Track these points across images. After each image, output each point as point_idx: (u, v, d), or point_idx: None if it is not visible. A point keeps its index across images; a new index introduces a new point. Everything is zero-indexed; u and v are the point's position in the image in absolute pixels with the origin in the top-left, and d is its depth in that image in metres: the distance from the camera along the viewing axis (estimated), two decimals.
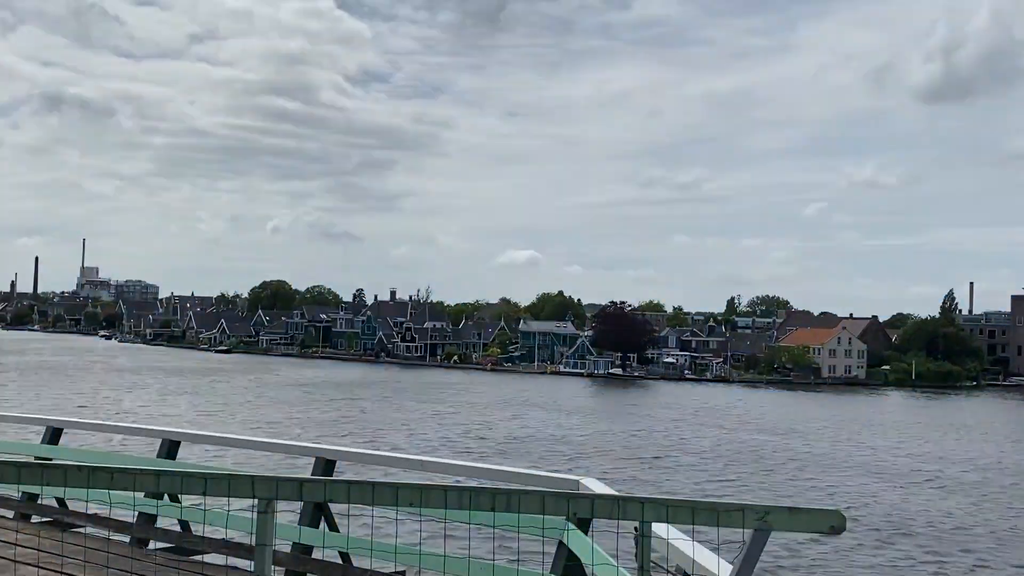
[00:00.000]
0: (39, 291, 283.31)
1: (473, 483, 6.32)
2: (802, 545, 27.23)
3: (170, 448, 9.06)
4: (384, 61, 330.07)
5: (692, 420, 72.11)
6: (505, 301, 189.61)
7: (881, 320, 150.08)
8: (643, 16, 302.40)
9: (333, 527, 7.59)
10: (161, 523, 8.47)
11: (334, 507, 7.46)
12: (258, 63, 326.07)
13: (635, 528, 3.82)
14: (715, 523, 3.67)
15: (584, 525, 5.83)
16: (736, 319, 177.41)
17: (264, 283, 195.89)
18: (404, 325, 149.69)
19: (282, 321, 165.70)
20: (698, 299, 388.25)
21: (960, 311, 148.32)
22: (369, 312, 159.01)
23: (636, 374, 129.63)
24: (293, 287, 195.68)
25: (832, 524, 3.68)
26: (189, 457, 13.42)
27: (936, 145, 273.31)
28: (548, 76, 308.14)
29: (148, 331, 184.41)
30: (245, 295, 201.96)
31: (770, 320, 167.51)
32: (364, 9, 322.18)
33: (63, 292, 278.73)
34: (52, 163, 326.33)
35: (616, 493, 4.54)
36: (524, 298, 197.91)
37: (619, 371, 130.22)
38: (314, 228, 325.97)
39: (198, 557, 7.70)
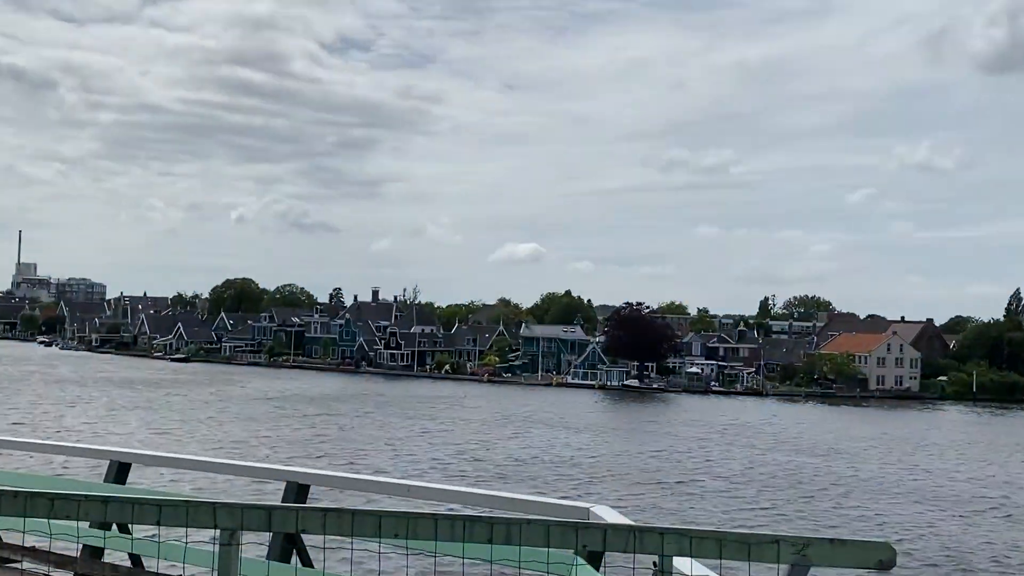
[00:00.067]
0: None
1: (468, 511, 6.32)
2: None
3: (119, 471, 9.07)
4: (365, 26, 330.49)
5: (720, 439, 72.20)
6: (504, 302, 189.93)
7: (937, 324, 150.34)
8: None
9: (306, 562, 7.59)
10: (109, 557, 8.48)
11: (307, 539, 7.46)
12: (220, 29, 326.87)
13: (653, 563, 3.82)
14: (746, 557, 3.67)
15: (595, 559, 5.83)
16: (770, 323, 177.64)
17: (227, 282, 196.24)
18: (388, 330, 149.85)
19: (248, 325, 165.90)
20: (726, 300, 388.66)
21: None
22: (348, 315, 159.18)
23: (655, 386, 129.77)
24: (260, 286, 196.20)
25: (881, 558, 3.68)
26: (141, 482, 13.45)
27: (1000, 123, 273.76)
28: (553, 43, 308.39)
29: (94, 337, 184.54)
30: (205, 295, 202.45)
31: (809, 324, 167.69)
32: None
33: None
34: None
35: (632, 523, 4.55)
36: (526, 299, 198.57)
37: (635, 383, 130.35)
38: (284, 218, 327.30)
39: None
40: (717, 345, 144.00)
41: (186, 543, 5.88)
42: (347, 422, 74.13)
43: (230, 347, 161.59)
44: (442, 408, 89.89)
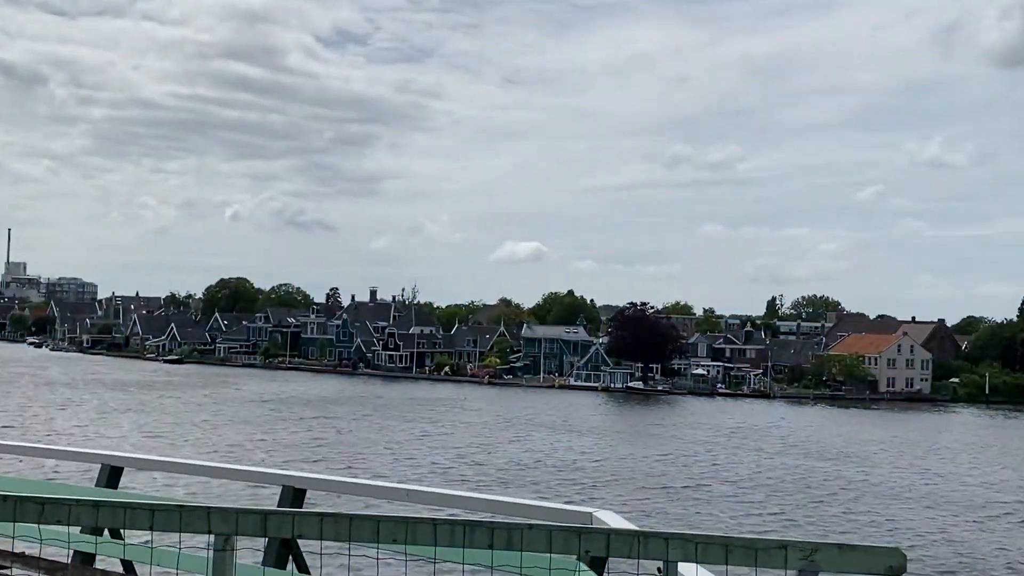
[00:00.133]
0: None
1: (468, 516, 6.33)
2: None
3: (111, 475, 9.07)
4: (362, 19, 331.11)
5: (727, 443, 72.22)
6: (505, 302, 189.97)
7: (948, 324, 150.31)
8: None
9: (302, 568, 7.60)
10: (101, 563, 8.48)
11: (304, 544, 7.46)
12: (214, 22, 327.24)
13: (658, 569, 3.83)
14: (753, 563, 3.67)
15: (598, 565, 5.84)
16: (777, 323, 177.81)
17: (221, 281, 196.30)
18: (386, 331, 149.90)
19: (243, 326, 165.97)
20: (732, 300, 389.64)
21: None
22: (345, 315, 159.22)
23: (660, 388, 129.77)
24: (255, 286, 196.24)
25: (891, 564, 3.69)
26: (134, 486, 13.44)
27: (1013, 118, 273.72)
28: (555, 36, 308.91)
29: (85, 337, 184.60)
30: (199, 295, 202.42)
31: (818, 325, 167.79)
32: None
33: None
34: None
35: (636, 528, 4.55)
36: (527, 299, 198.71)
37: (640, 385, 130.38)
38: (280, 216, 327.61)
39: None
40: (723, 346, 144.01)
41: (180, 548, 5.88)
42: (345, 425, 74.19)
43: (224, 348, 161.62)
44: (442, 411, 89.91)
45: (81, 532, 7.90)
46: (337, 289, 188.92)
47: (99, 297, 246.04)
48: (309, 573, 7.56)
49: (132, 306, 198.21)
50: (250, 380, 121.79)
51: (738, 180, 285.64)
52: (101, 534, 8.26)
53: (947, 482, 55.96)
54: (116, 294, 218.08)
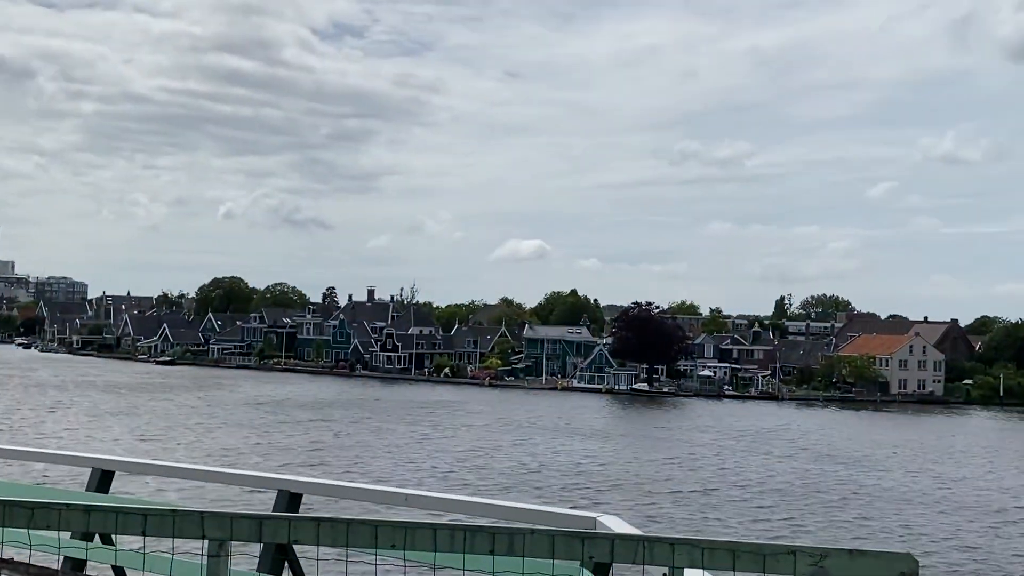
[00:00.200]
0: None
1: (469, 521, 6.33)
2: None
3: (102, 479, 9.08)
4: (360, 11, 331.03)
5: (734, 446, 72.26)
6: (507, 302, 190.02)
7: (962, 325, 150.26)
8: None
9: (298, 574, 7.61)
10: (92, 569, 8.49)
11: (300, 550, 7.47)
12: (206, 14, 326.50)
13: (663, 575, 3.83)
14: (761, 568, 3.68)
15: (602, 571, 5.85)
16: (786, 323, 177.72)
17: (215, 280, 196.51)
18: (384, 331, 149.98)
19: (237, 326, 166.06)
20: (740, 300, 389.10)
21: None
22: (342, 316, 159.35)
23: (665, 390, 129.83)
24: (250, 285, 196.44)
25: (902, 570, 3.69)
26: (125, 490, 13.46)
27: None
28: (559, 29, 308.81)
29: (75, 338, 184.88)
30: (192, 295, 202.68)
31: (827, 325, 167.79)
32: None
33: None
34: None
35: (641, 533, 4.56)
36: (529, 299, 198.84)
37: (645, 386, 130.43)
38: (275, 213, 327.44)
39: None
40: (730, 347, 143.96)
41: (173, 554, 5.89)
42: (342, 428, 74.24)
43: (218, 349, 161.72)
44: (442, 413, 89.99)
45: (72, 537, 7.91)
46: (334, 289, 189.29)
47: (89, 297, 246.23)
48: None
49: (123, 306, 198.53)
50: (245, 382, 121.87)
51: (746, 177, 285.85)
52: (92, 539, 8.28)
53: (961, 486, 55.98)
54: (107, 293, 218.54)
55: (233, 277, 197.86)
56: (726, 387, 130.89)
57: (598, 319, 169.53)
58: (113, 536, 8.15)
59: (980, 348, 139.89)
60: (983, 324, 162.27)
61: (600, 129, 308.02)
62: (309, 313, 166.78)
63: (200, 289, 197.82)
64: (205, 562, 4.00)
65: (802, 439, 79.30)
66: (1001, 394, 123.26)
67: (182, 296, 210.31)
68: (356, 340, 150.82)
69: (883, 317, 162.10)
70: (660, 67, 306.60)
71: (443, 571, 6.28)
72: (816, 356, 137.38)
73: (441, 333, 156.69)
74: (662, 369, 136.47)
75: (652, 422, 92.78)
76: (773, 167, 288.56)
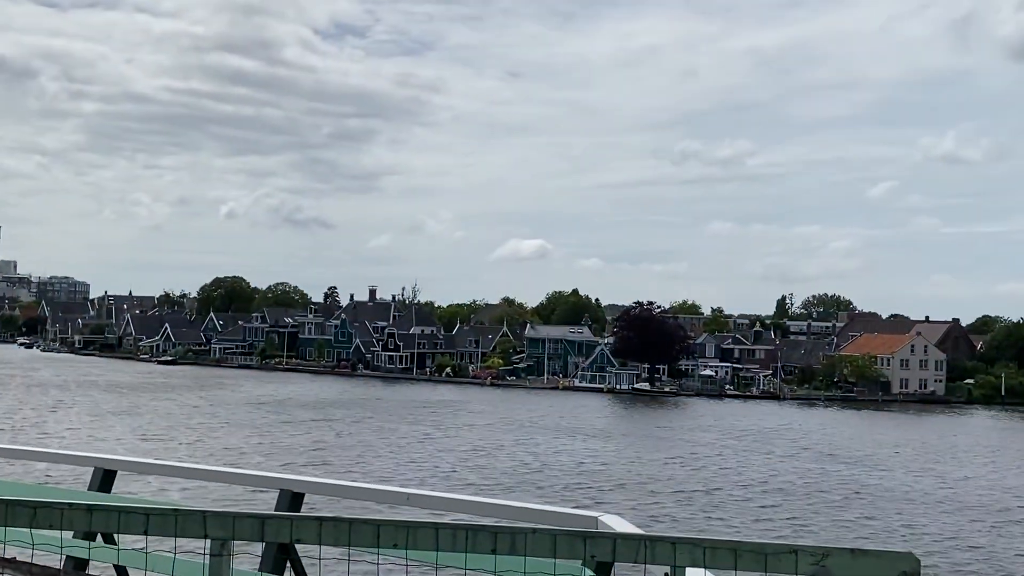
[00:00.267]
0: None
1: (471, 521, 6.34)
2: None
3: (104, 479, 9.09)
4: (361, 11, 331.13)
5: (736, 445, 72.25)
6: (508, 302, 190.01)
7: (963, 324, 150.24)
8: None
9: (300, 573, 7.61)
10: (94, 569, 8.50)
11: (302, 549, 7.48)
12: (208, 14, 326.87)
13: (665, 574, 3.83)
14: (762, 568, 3.67)
15: (604, 570, 5.85)
16: (788, 323, 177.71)
17: (217, 280, 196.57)
18: (386, 331, 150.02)
19: (238, 326, 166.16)
20: (741, 299, 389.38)
21: None
22: (343, 315, 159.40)
23: (667, 390, 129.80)
24: (251, 285, 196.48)
25: (904, 569, 3.69)
26: (128, 490, 13.47)
27: None
28: (559, 29, 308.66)
29: (77, 338, 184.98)
30: (194, 295, 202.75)
31: (829, 324, 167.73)
32: None
33: None
34: None
35: (642, 532, 4.56)
36: (531, 298, 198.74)
37: (646, 386, 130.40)
38: (276, 213, 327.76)
39: None
40: (732, 346, 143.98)
41: (175, 554, 5.89)
42: (344, 428, 74.29)
43: (220, 349, 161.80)
44: (444, 414, 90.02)
45: (74, 537, 7.92)
46: (335, 288, 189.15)
47: (91, 296, 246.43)
48: None
49: (125, 306, 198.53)
50: (246, 382, 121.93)
51: (747, 176, 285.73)
52: (94, 539, 8.29)
53: (963, 486, 55.95)
54: (109, 293, 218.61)
55: (235, 277, 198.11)
56: (728, 387, 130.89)
57: (599, 319, 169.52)
58: (115, 535, 8.16)
59: (981, 348, 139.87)
60: (984, 324, 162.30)
61: (601, 129, 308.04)
62: (311, 313, 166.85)
63: (202, 289, 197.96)
64: (207, 561, 4.00)
65: (804, 439, 79.29)
66: (1003, 393, 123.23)
67: (184, 296, 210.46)
68: (358, 340, 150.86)
69: (884, 317, 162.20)
70: (660, 67, 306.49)
71: (445, 570, 6.29)
72: (817, 356, 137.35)
73: (443, 333, 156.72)
74: (663, 369, 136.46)
75: (654, 422, 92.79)
76: (774, 167, 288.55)
